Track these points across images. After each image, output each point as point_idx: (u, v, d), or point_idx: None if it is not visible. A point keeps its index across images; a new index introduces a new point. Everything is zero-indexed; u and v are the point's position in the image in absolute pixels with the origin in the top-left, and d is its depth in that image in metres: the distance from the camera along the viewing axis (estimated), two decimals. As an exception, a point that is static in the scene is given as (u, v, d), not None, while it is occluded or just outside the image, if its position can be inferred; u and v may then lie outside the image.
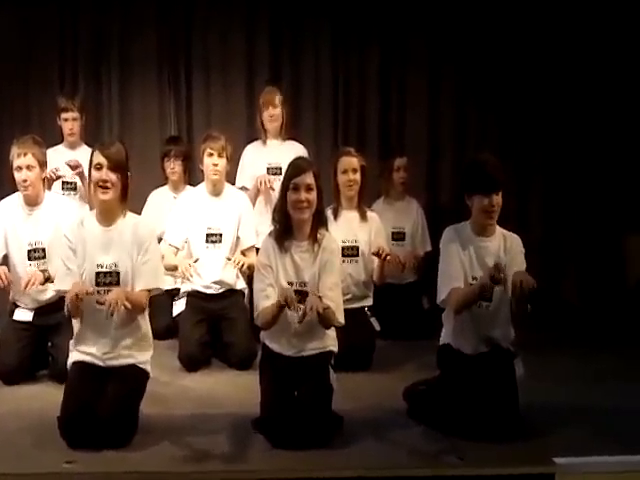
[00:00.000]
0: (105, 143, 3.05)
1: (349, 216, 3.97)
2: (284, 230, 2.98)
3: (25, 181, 3.65)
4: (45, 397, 3.29)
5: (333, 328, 3.01)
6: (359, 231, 3.94)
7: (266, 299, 2.89)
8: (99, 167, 2.92)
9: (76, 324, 3.08)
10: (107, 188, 2.91)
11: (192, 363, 3.87)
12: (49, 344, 3.62)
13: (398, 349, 4.16)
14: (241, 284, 4.13)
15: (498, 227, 3.07)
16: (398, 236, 4.66)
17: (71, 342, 3.06)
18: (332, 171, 3.97)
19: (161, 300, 4.50)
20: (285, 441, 2.79)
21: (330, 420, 2.93)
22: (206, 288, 4.04)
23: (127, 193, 3.00)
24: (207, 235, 4.05)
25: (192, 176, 4.95)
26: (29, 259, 3.71)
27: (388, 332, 4.11)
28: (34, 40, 5.41)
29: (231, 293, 4.08)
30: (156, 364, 3.75)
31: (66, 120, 4.67)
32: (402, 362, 3.93)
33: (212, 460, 2.71)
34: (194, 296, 4.06)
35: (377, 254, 3.77)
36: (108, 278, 2.94)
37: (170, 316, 4.25)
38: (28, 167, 3.64)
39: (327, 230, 3.06)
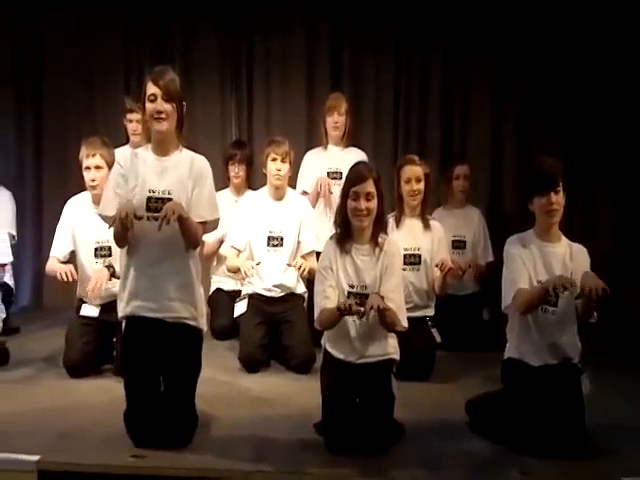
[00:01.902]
0: (157, 71, 2.85)
1: (412, 224, 3.92)
2: (345, 234, 2.97)
3: (93, 180, 3.78)
4: (110, 390, 3.36)
5: (394, 335, 2.98)
6: (422, 239, 3.89)
7: (326, 299, 2.87)
8: (153, 98, 2.80)
9: (123, 258, 2.89)
10: (162, 119, 2.80)
11: (252, 364, 3.91)
12: (114, 339, 3.69)
13: (458, 360, 4.10)
14: (301, 288, 4.14)
15: (564, 237, 3.03)
16: (459, 244, 4.60)
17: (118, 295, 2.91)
18: (395, 179, 3.93)
19: (222, 301, 4.63)
20: (344, 447, 2.79)
21: (392, 429, 2.92)
22: (267, 291, 4.07)
23: (183, 124, 2.88)
24: (268, 238, 4.08)
25: (252, 179, 5.01)
26: (96, 257, 3.83)
27: (448, 343, 4.04)
28: (100, 43, 5.58)
29: (291, 297, 4.10)
30: (216, 364, 3.85)
31: (131, 121, 4.77)
32: (462, 374, 3.88)
33: (269, 461, 2.72)
34: (255, 298, 4.09)
35: (439, 267, 3.73)
36: (160, 204, 2.76)
37: (231, 317, 4.30)
38: (97, 167, 3.77)
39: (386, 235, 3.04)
